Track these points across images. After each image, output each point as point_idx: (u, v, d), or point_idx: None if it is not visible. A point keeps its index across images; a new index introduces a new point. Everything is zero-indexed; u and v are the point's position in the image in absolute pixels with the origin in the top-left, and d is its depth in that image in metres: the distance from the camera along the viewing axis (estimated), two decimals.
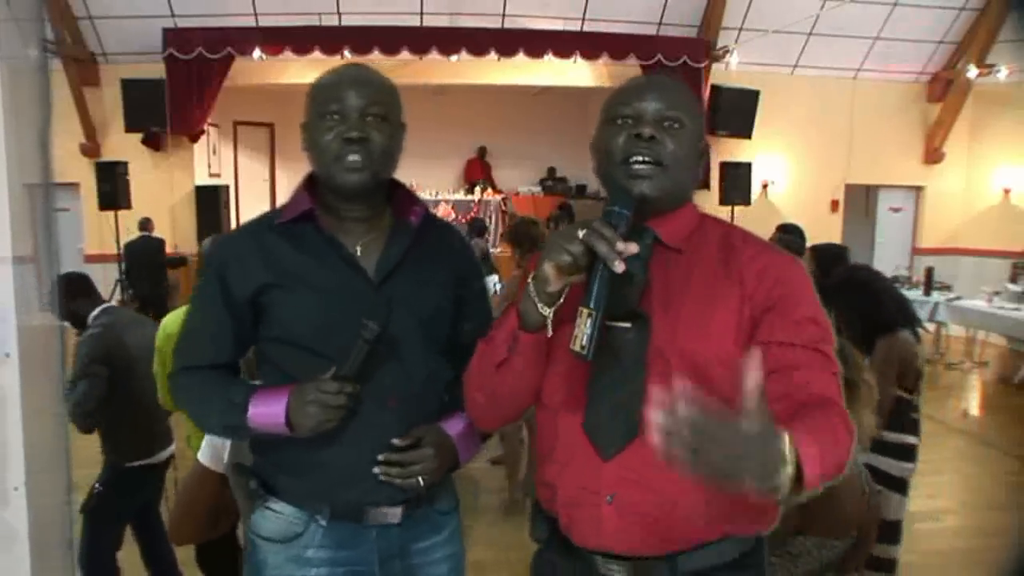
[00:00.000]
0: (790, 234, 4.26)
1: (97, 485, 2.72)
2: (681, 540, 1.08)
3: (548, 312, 1.04)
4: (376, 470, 1.26)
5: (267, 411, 1.24)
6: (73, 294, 2.85)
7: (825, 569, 1.68)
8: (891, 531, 2.40)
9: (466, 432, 1.34)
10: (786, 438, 0.81)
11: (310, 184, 1.36)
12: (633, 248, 0.99)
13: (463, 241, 1.52)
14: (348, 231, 1.33)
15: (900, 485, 2.45)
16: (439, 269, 1.37)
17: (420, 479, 1.27)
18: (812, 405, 0.97)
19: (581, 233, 0.99)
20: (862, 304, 2.47)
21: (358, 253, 1.32)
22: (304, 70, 8.40)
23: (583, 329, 1.00)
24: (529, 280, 1.05)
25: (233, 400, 1.28)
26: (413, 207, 1.37)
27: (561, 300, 1.04)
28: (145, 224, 7.47)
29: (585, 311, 1.00)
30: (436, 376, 1.35)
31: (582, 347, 1.00)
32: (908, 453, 2.46)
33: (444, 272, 1.38)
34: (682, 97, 1.15)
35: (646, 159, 1.09)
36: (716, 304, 1.08)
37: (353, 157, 1.25)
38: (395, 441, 1.27)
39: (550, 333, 1.06)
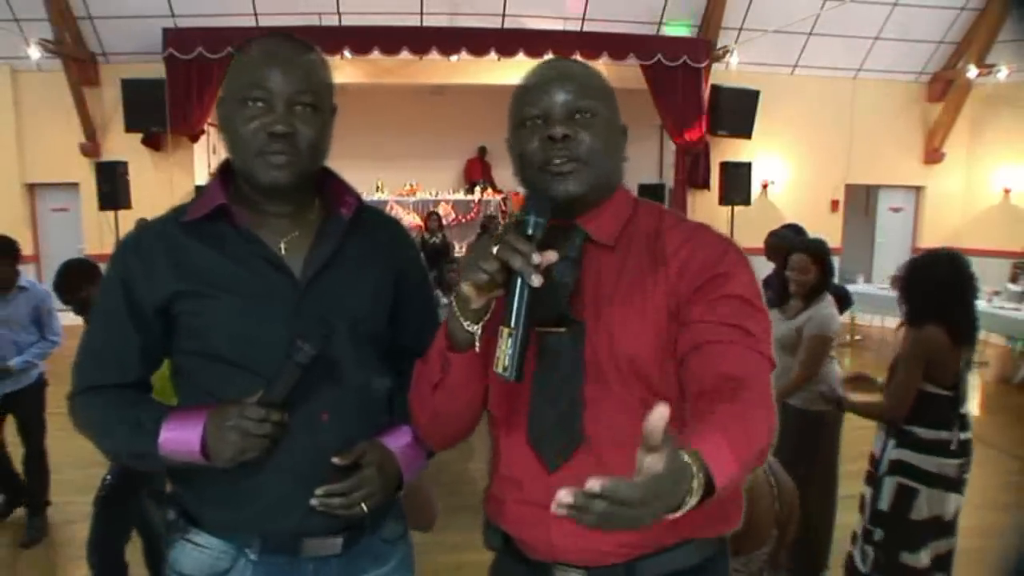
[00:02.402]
0: (786, 230, 4.28)
1: (108, 476, 2.69)
2: (639, 545, 1.04)
3: (475, 329, 1.00)
4: (314, 502, 1.12)
5: (180, 436, 1.09)
6: (80, 282, 2.88)
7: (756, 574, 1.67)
8: (943, 527, 2.38)
9: (411, 446, 1.21)
10: (691, 463, 0.75)
11: (225, 174, 1.20)
12: (551, 257, 0.94)
13: (403, 234, 1.35)
14: (270, 227, 1.18)
15: (943, 481, 2.39)
16: (375, 266, 1.23)
17: (363, 504, 1.14)
18: (726, 390, 0.91)
19: (495, 249, 0.93)
20: (916, 288, 2.46)
21: (282, 251, 1.17)
22: None
23: (504, 349, 0.94)
24: (452, 299, 1.01)
25: (142, 423, 1.12)
26: (345, 197, 1.22)
27: (488, 315, 0.99)
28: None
29: (506, 330, 0.95)
30: (374, 385, 1.22)
31: (504, 368, 0.94)
32: (946, 448, 2.40)
33: (380, 269, 1.24)
34: (590, 83, 1.08)
35: (563, 159, 1.04)
36: (646, 302, 1.04)
37: (278, 157, 1.11)
38: (335, 460, 1.12)
39: (478, 349, 1.02)
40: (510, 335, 0.94)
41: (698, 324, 1.00)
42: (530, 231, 0.96)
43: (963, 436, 2.43)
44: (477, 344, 1.01)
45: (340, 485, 1.12)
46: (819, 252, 3.04)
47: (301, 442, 1.12)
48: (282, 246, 1.17)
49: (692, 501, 0.75)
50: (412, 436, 1.22)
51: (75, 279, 2.90)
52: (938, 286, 2.41)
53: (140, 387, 1.22)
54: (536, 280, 0.92)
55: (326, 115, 1.18)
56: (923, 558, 2.39)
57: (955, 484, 2.41)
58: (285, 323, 1.13)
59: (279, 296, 1.14)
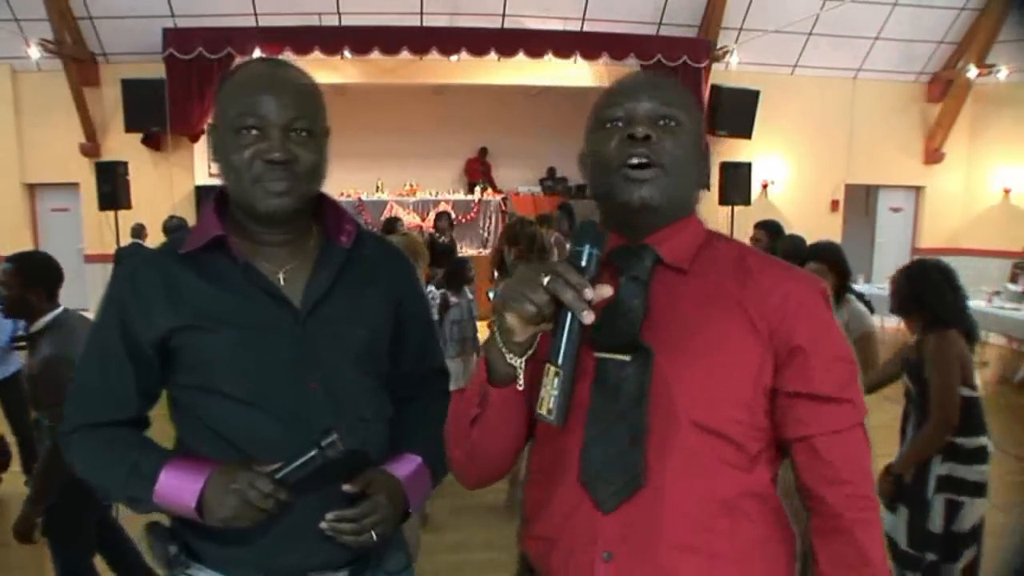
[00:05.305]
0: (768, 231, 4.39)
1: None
2: None
3: (518, 363, 0.92)
4: (323, 525, 1.10)
5: (179, 485, 1.07)
6: (34, 281, 2.46)
7: None
8: (978, 534, 2.41)
9: (415, 475, 1.19)
10: None
11: (220, 203, 1.18)
12: (606, 292, 0.88)
13: (403, 260, 1.34)
14: (267, 257, 1.16)
15: (982, 489, 2.41)
16: (375, 295, 1.22)
17: (373, 532, 1.12)
18: (834, 515, 0.98)
19: (545, 279, 0.86)
20: (925, 298, 2.49)
21: (281, 282, 1.16)
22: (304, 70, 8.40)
23: (549, 390, 0.87)
24: (494, 329, 0.93)
25: (139, 467, 1.10)
26: (343, 225, 1.21)
27: (533, 348, 0.92)
28: (138, 231, 7.11)
29: (552, 369, 0.87)
30: (377, 415, 1.21)
31: (548, 411, 0.88)
32: (982, 454, 2.41)
33: (380, 298, 1.23)
34: (677, 94, 1.05)
35: (643, 161, 0.97)
36: (731, 337, 0.96)
37: (277, 184, 1.09)
38: (345, 488, 1.10)
39: (521, 386, 0.94)
40: (556, 375, 0.87)
41: (808, 400, 0.97)
42: (583, 263, 0.88)
43: (988, 440, 2.44)
44: (520, 380, 0.93)
45: (351, 511, 1.10)
46: (833, 258, 3.00)
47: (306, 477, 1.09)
48: (281, 276, 1.16)
49: None
50: (417, 464, 1.21)
51: (27, 275, 2.47)
52: (952, 290, 2.46)
53: (137, 424, 1.20)
54: (588, 317, 0.86)
55: (321, 139, 1.16)
56: (957, 568, 2.40)
57: (984, 489, 2.41)
58: (286, 354, 1.12)
59: (279, 327, 1.13)
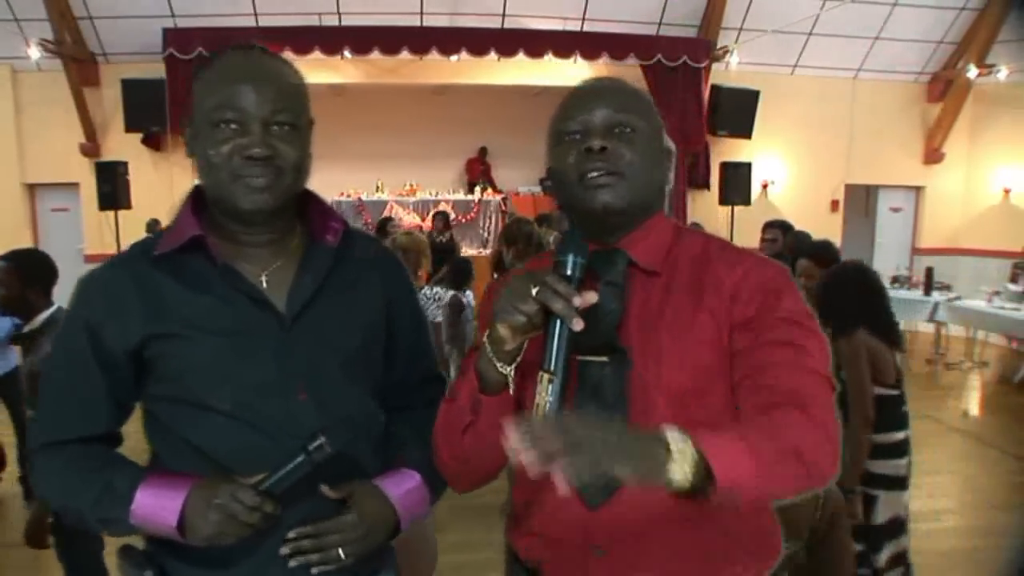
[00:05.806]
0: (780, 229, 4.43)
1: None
2: None
3: (508, 371, 0.96)
4: (283, 550, 1.03)
5: (158, 503, 0.99)
6: (33, 279, 2.49)
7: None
8: (899, 527, 2.50)
9: (412, 492, 1.13)
10: (677, 436, 0.77)
11: (197, 201, 1.10)
12: (592, 298, 0.91)
13: (394, 260, 1.27)
14: (249, 258, 1.09)
15: (899, 482, 2.50)
16: (364, 297, 1.15)
17: (340, 551, 1.04)
18: (770, 407, 0.91)
19: (534, 290, 0.90)
20: (833, 300, 2.55)
21: (263, 284, 1.08)
22: (304, 70, 8.37)
23: (544, 396, 0.90)
24: (484, 339, 0.97)
25: (113, 486, 1.02)
26: (330, 223, 1.14)
27: (520, 357, 0.96)
28: (153, 226, 7.17)
29: (546, 376, 0.91)
30: (368, 424, 1.15)
31: (546, 417, 0.90)
32: (898, 449, 2.50)
33: (371, 300, 1.16)
34: (630, 99, 1.06)
35: (601, 171, 1.01)
36: (694, 329, 1.00)
37: (258, 180, 1.02)
38: (323, 489, 1.04)
39: (511, 391, 0.97)
40: (550, 381, 0.91)
41: (751, 350, 0.97)
42: (568, 271, 0.93)
43: (905, 433, 2.53)
44: (511, 386, 0.97)
45: (311, 527, 1.04)
46: (824, 256, 3.02)
47: (289, 489, 1.02)
48: (263, 278, 1.09)
49: (677, 470, 0.76)
50: (415, 481, 1.15)
51: (27, 273, 2.49)
52: (860, 295, 2.55)
53: (109, 440, 1.12)
54: (578, 324, 0.89)
55: (305, 132, 1.09)
56: (881, 559, 2.49)
57: (905, 482, 2.52)
58: (271, 362, 1.05)
59: (263, 333, 1.06)
